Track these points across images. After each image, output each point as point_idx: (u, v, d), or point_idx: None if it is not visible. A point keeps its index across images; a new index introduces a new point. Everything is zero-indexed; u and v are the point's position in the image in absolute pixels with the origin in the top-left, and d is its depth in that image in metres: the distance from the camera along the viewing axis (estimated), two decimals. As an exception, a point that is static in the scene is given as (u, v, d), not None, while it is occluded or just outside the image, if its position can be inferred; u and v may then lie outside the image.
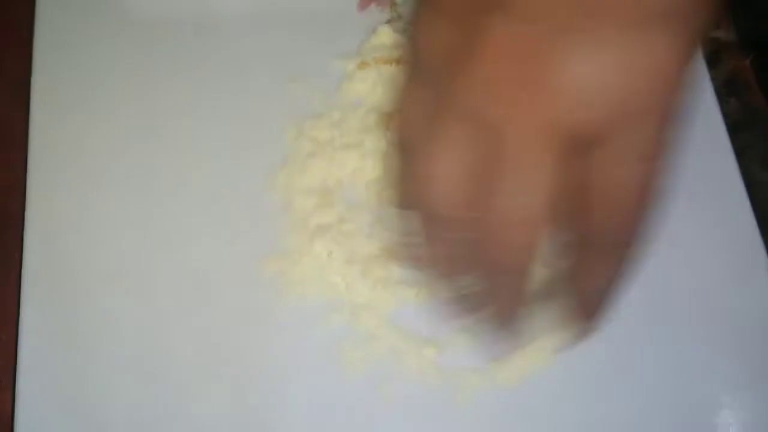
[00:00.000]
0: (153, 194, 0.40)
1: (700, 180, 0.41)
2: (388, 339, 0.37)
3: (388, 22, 0.44)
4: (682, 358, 0.37)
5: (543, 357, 0.37)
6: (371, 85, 0.42)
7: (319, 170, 0.40)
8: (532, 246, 0.28)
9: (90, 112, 0.42)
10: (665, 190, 0.28)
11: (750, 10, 0.48)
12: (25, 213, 0.39)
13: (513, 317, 0.32)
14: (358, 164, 0.40)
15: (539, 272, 0.31)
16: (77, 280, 0.38)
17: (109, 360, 0.36)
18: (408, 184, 0.30)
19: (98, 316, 0.37)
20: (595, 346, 0.37)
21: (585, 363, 0.37)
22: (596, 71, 0.24)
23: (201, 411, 0.36)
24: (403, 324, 0.37)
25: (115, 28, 0.44)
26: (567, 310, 0.34)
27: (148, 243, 0.39)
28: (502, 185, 0.26)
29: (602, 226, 0.28)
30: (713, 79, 0.43)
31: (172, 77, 0.43)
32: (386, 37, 0.43)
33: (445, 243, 0.30)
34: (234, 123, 0.42)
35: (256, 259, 0.38)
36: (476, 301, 0.32)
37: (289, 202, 0.40)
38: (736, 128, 0.43)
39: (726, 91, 0.45)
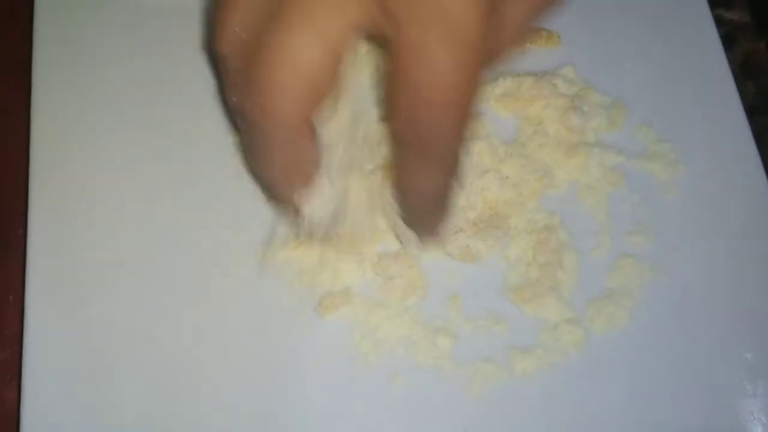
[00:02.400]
0: (158, 182, 0.39)
1: (719, 165, 0.40)
2: (401, 330, 0.36)
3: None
4: (703, 347, 0.37)
5: (560, 348, 0.36)
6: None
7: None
8: (306, 97, 0.26)
9: (92, 97, 0.41)
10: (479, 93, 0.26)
11: (766, -8, 0.47)
12: (29, 202, 0.38)
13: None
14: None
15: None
16: (83, 273, 0.37)
17: (116, 355, 0.36)
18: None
19: (105, 310, 0.36)
20: (614, 336, 0.37)
21: (603, 354, 0.36)
22: None
23: (209, 405, 0.35)
24: (417, 314, 0.37)
25: (117, 9, 0.43)
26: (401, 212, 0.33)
27: (153, 233, 0.38)
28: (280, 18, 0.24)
29: (409, 120, 0.26)
30: (730, 62, 0.42)
31: (177, 61, 0.42)
32: None
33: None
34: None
35: (262, 248, 0.38)
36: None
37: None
38: (753, 111, 0.42)
39: (742, 74, 0.44)
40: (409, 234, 0.35)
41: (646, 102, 0.42)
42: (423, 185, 0.30)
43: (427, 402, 0.35)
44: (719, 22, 0.44)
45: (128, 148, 0.40)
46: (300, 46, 0.25)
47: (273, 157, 0.29)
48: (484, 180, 0.39)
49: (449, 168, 0.29)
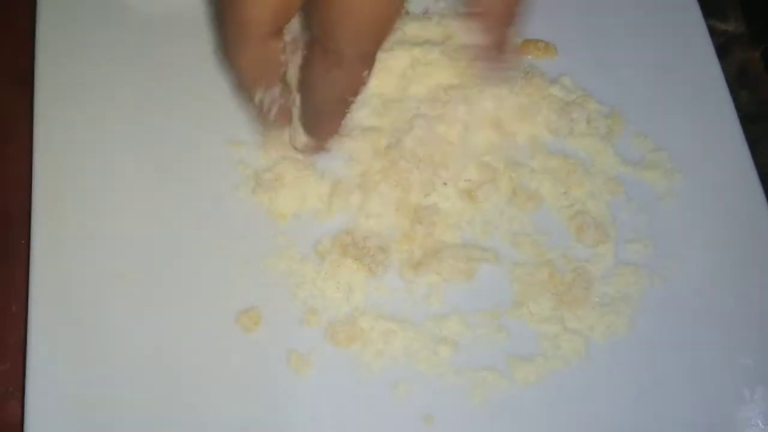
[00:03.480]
0: (161, 191, 0.39)
1: (715, 173, 0.41)
2: (402, 339, 0.37)
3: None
4: (701, 353, 0.37)
5: (560, 356, 0.37)
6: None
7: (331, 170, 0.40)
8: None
9: (95, 106, 0.41)
10: None
11: (760, 3, 0.47)
12: (32, 212, 0.38)
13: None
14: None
15: None
16: (86, 282, 0.37)
17: (118, 365, 0.36)
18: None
19: (107, 320, 0.36)
20: (613, 344, 0.37)
21: (603, 361, 0.37)
22: None
23: (213, 413, 0.35)
24: (418, 323, 0.37)
25: (120, 18, 0.43)
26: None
27: (157, 243, 0.38)
28: None
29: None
30: (724, 72, 0.43)
31: (176, 67, 0.42)
32: None
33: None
34: (240, 118, 0.41)
35: (264, 258, 0.38)
36: None
37: (299, 203, 0.39)
38: (748, 120, 0.42)
39: (737, 84, 0.45)
40: (302, 137, 0.38)
41: (643, 111, 0.42)
42: (327, 90, 0.34)
43: (428, 411, 0.35)
44: (714, 32, 0.45)
45: (131, 158, 0.40)
46: None
47: (247, 54, 0.33)
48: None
49: (354, 76, 0.33)
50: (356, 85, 0.34)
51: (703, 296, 0.38)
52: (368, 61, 0.33)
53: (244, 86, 0.36)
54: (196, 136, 0.40)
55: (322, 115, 0.36)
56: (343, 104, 0.35)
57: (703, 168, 0.41)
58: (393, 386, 0.36)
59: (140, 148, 0.40)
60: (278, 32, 0.33)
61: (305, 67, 0.35)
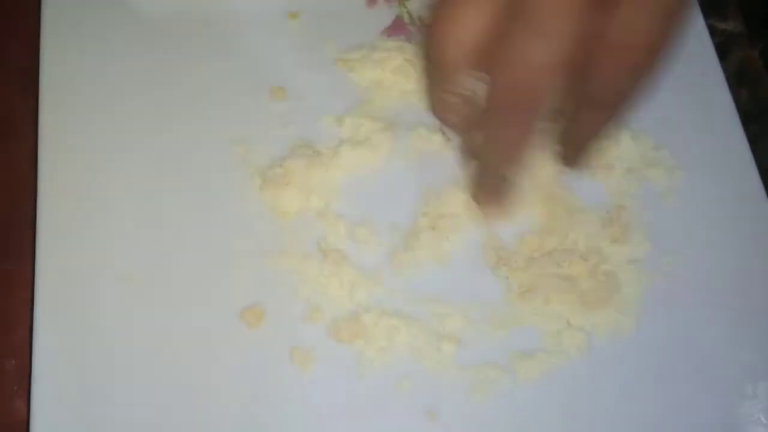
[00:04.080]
0: (167, 191, 0.39)
1: (716, 170, 0.41)
2: (405, 335, 0.37)
3: (397, 17, 0.44)
4: (703, 349, 0.37)
5: (563, 352, 0.37)
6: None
7: (336, 168, 0.40)
8: (547, 91, 0.29)
9: (100, 106, 0.41)
10: (671, 51, 0.30)
11: (758, 2, 0.48)
12: (37, 211, 0.38)
13: (516, 164, 0.34)
14: (369, 163, 0.40)
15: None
16: (91, 282, 0.37)
17: (124, 363, 0.36)
18: (432, 41, 0.31)
19: (113, 319, 0.37)
20: (616, 340, 0.37)
21: (605, 357, 0.37)
22: None
23: (217, 409, 0.35)
24: (421, 319, 0.37)
25: (124, 16, 0.43)
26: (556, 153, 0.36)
27: (162, 242, 0.38)
28: (522, 31, 0.27)
29: (610, 77, 0.29)
30: (724, 71, 0.43)
31: (181, 67, 0.42)
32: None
33: (459, 97, 0.32)
34: (243, 117, 0.41)
35: (268, 255, 0.38)
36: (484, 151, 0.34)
37: (303, 200, 0.39)
38: (748, 119, 0.42)
39: (737, 82, 0.45)
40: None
41: (644, 110, 0.42)
42: (590, 131, 0.34)
43: (432, 406, 0.36)
44: (713, 31, 0.45)
45: (136, 157, 0.40)
46: (543, 51, 0.28)
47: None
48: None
49: (619, 115, 0.32)
50: (519, 141, 0.32)
51: (704, 293, 0.38)
52: (529, 118, 0.31)
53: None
54: (201, 135, 0.41)
55: (490, 171, 0.36)
56: (509, 160, 0.34)
57: (704, 165, 0.41)
58: (396, 382, 0.36)
59: (145, 147, 0.40)
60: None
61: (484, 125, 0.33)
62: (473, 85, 0.31)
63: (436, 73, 0.32)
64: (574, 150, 0.36)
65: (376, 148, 0.40)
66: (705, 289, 0.39)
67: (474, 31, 0.29)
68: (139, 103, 0.41)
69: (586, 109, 0.32)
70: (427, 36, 0.31)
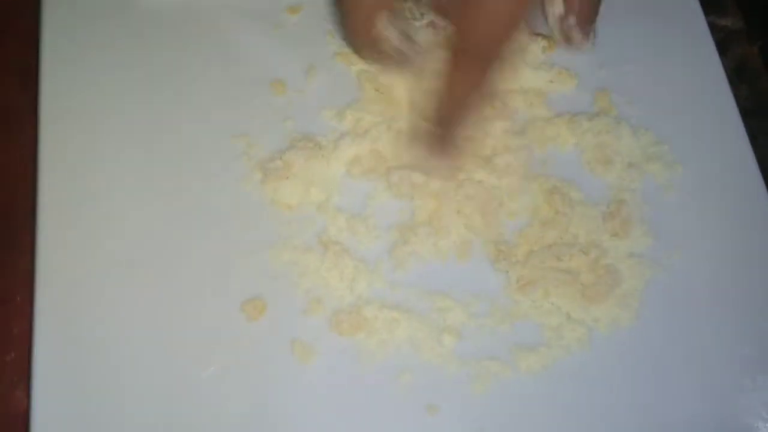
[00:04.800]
0: (166, 183, 0.39)
1: (716, 165, 0.41)
2: (406, 328, 0.37)
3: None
4: (704, 342, 0.37)
5: (564, 346, 0.37)
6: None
7: (336, 161, 0.40)
8: (508, 41, 0.32)
9: (100, 99, 0.41)
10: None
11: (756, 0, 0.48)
12: (37, 203, 0.38)
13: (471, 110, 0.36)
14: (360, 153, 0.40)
15: None
16: (91, 273, 0.37)
17: (124, 355, 0.36)
18: None
19: (113, 310, 0.37)
20: (616, 334, 0.37)
21: (606, 351, 0.37)
22: None
23: (218, 402, 0.35)
24: (422, 312, 0.37)
25: (123, 11, 0.43)
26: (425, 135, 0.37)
27: (162, 234, 0.38)
28: None
29: (476, 32, 0.32)
30: (724, 67, 0.43)
31: (181, 62, 0.42)
32: None
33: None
34: (244, 111, 0.41)
35: (269, 248, 0.38)
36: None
37: (303, 193, 0.39)
38: (747, 114, 0.43)
39: (736, 78, 0.45)
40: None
41: (644, 105, 0.42)
42: (465, 84, 0.34)
43: (432, 399, 0.36)
44: (713, 28, 0.45)
45: (136, 150, 0.40)
46: None
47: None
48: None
49: (488, 73, 0.34)
50: (489, 82, 0.34)
51: (704, 287, 0.39)
52: (488, 64, 0.33)
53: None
54: (201, 129, 0.41)
55: (453, 113, 0.36)
56: (477, 99, 0.35)
57: (704, 161, 0.41)
58: (397, 375, 0.36)
59: (145, 141, 0.40)
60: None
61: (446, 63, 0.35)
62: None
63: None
64: (441, 126, 0.36)
65: (376, 141, 0.40)
66: (705, 283, 0.39)
67: None
68: (139, 97, 0.41)
69: (457, 70, 0.34)
70: None
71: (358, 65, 0.42)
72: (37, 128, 0.40)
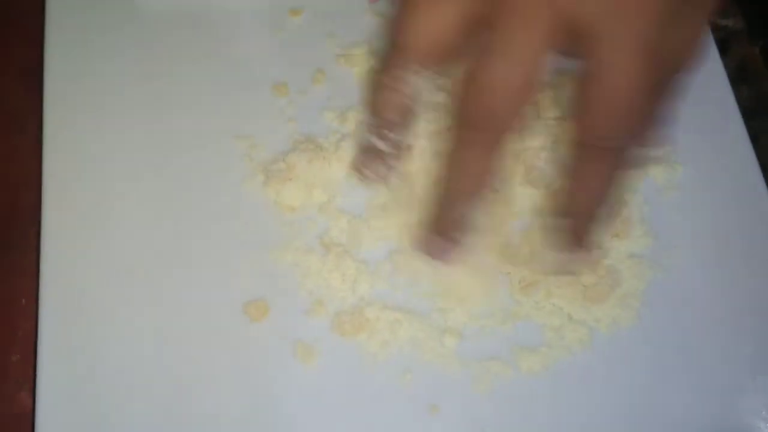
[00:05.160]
0: (171, 186, 0.40)
1: (717, 166, 0.41)
2: (408, 329, 0.37)
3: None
4: (705, 343, 0.37)
5: (565, 346, 0.37)
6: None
7: (338, 162, 0.40)
8: (516, 113, 0.28)
9: (104, 102, 0.41)
10: (670, 95, 0.29)
11: (758, 0, 0.48)
12: (42, 205, 0.38)
13: (480, 193, 0.32)
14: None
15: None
16: (96, 275, 0.37)
17: (129, 357, 0.36)
18: (400, 22, 0.30)
19: (117, 312, 0.37)
20: (617, 334, 0.37)
21: (606, 351, 0.37)
22: None
23: (220, 403, 0.35)
24: (423, 313, 0.37)
25: (127, 12, 0.44)
26: (558, 233, 0.33)
27: (166, 237, 0.38)
28: (489, 45, 0.27)
29: (598, 124, 0.28)
30: (724, 67, 0.43)
31: (184, 64, 0.42)
32: None
33: (403, 93, 0.31)
34: (246, 113, 0.41)
35: (271, 249, 0.38)
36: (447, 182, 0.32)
37: (306, 194, 0.40)
38: (748, 115, 0.43)
39: (737, 79, 0.45)
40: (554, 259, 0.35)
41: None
42: (596, 185, 0.31)
43: (434, 400, 0.36)
44: (714, 28, 0.45)
45: (140, 153, 0.40)
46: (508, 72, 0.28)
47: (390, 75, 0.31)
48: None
49: (622, 169, 0.30)
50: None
51: (704, 287, 0.39)
52: (496, 141, 0.30)
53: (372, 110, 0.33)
54: (204, 131, 0.41)
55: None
56: (472, 190, 0.32)
57: (705, 161, 0.41)
58: (399, 376, 0.36)
59: (148, 142, 0.40)
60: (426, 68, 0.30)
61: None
62: (424, 82, 0.31)
63: (391, 59, 0.30)
64: (578, 221, 0.32)
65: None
66: (706, 284, 0.39)
67: (444, 25, 0.29)
68: (142, 99, 0.41)
69: (586, 163, 0.30)
70: (395, 20, 0.30)
71: (359, 67, 0.43)
72: (41, 129, 0.40)
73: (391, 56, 0.31)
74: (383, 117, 0.32)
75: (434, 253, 0.35)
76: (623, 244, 0.39)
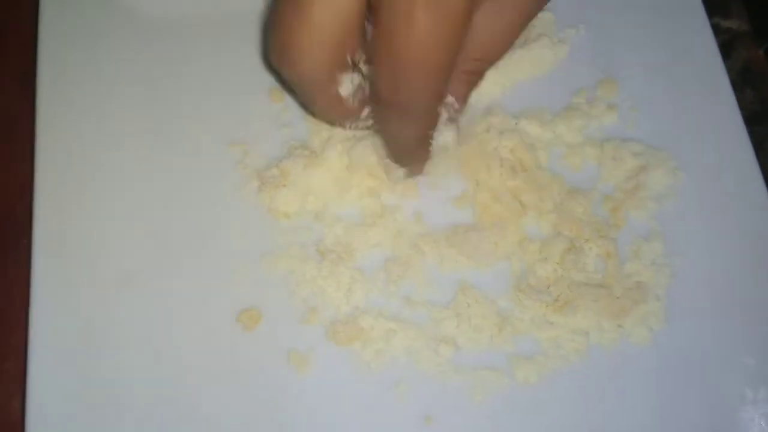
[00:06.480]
0: (163, 192, 0.39)
1: (719, 172, 0.40)
2: (403, 338, 0.37)
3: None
4: (704, 352, 0.37)
5: (561, 355, 0.37)
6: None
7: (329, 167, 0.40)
8: (427, 90, 0.29)
9: (98, 106, 0.41)
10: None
11: (763, 1, 0.47)
12: (34, 211, 0.38)
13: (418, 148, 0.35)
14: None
15: None
16: (88, 282, 0.37)
17: (121, 364, 0.36)
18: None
19: (109, 319, 0.37)
20: (615, 343, 0.37)
21: (604, 360, 0.37)
22: None
23: (213, 412, 0.35)
24: (419, 322, 0.37)
25: (121, 16, 0.43)
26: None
27: (159, 243, 0.38)
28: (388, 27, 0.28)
29: (391, 82, 0.29)
30: (728, 70, 0.43)
31: (179, 68, 0.42)
32: None
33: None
34: (241, 118, 0.41)
35: (265, 257, 0.38)
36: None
37: (300, 201, 0.39)
38: (753, 120, 0.42)
39: (741, 83, 0.45)
40: (395, 170, 0.38)
41: (646, 109, 0.42)
42: (403, 137, 0.34)
43: (429, 410, 0.35)
44: (717, 30, 0.44)
45: (134, 159, 0.40)
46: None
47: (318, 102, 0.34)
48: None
49: (426, 124, 0.32)
50: (429, 126, 0.33)
51: (705, 295, 0.38)
52: (433, 111, 0.32)
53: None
54: (198, 136, 0.41)
55: (406, 153, 0.36)
56: (423, 141, 0.34)
57: (706, 167, 0.41)
58: (393, 385, 0.36)
59: (142, 148, 0.40)
60: (337, 75, 0.31)
61: (377, 116, 0.34)
62: (347, 88, 0.31)
63: (303, 90, 0.32)
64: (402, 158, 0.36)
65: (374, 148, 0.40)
66: (706, 292, 0.38)
67: (331, 27, 0.29)
68: (136, 104, 0.41)
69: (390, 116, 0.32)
70: (275, 46, 0.30)
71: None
72: (33, 135, 0.40)
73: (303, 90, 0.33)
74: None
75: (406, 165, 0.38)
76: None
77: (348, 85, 0.32)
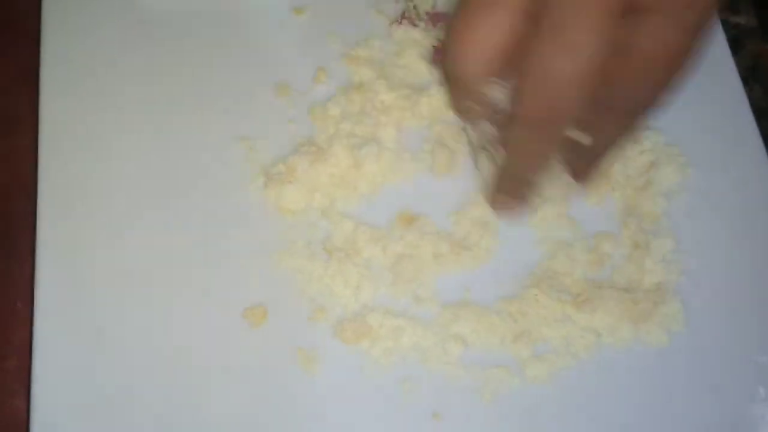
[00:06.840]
0: (167, 191, 0.39)
1: (728, 167, 0.40)
2: (411, 336, 0.36)
3: (403, 14, 0.44)
4: (715, 350, 0.37)
5: (571, 353, 0.36)
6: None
7: (338, 161, 0.39)
8: (575, 104, 0.28)
9: (101, 106, 0.41)
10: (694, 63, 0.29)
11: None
12: (37, 210, 0.38)
13: (534, 175, 0.33)
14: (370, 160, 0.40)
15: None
16: (91, 280, 0.37)
17: (124, 362, 0.36)
18: (449, 50, 0.30)
19: (113, 317, 0.36)
20: (628, 343, 0.37)
21: (614, 358, 0.36)
22: None
23: (220, 409, 0.35)
24: (427, 320, 0.37)
25: (125, 11, 0.43)
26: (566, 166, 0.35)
27: (162, 242, 0.38)
28: (548, 44, 0.27)
29: (633, 88, 0.29)
30: (737, 66, 0.42)
31: (184, 63, 0.42)
32: None
33: (481, 106, 0.31)
34: (247, 113, 0.41)
35: (272, 254, 0.38)
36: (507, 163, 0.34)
37: (307, 198, 0.39)
38: (761, 114, 0.42)
39: (750, 78, 0.44)
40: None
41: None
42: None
43: (437, 408, 0.35)
44: (726, 26, 0.44)
45: (138, 155, 0.40)
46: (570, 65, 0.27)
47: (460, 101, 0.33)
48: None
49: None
50: (552, 145, 0.32)
51: (716, 292, 0.38)
52: (561, 131, 0.31)
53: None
54: (204, 131, 0.40)
55: (517, 179, 0.35)
56: (538, 168, 0.33)
57: (716, 163, 0.40)
58: (402, 383, 0.36)
59: (147, 144, 0.40)
60: (489, 81, 0.31)
61: (506, 134, 0.33)
62: (495, 93, 0.31)
63: (456, 87, 0.31)
64: (587, 162, 0.35)
65: (382, 144, 0.40)
66: (718, 290, 0.38)
67: (494, 42, 0.28)
68: (141, 99, 0.41)
69: (605, 119, 0.31)
70: (446, 49, 0.30)
71: (364, 68, 0.42)
72: (37, 132, 0.40)
73: (456, 84, 0.31)
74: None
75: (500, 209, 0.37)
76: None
77: (496, 92, 0.31)
